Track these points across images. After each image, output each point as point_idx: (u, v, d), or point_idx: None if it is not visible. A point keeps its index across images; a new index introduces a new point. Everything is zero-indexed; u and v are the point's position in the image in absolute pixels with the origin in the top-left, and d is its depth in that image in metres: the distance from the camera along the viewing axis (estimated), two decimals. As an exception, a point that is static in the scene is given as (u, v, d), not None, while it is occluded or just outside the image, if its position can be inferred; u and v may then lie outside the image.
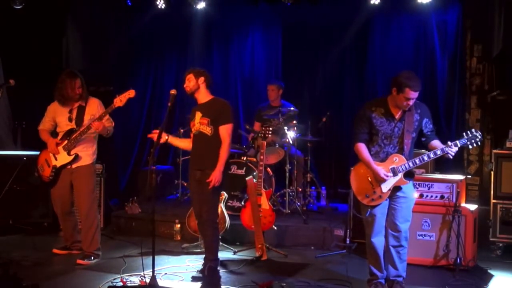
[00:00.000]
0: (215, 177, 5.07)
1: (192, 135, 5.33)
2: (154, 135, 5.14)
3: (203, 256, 5.41)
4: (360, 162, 4.80)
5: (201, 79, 5.24)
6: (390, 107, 4.72)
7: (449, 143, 4.58)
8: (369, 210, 4.74)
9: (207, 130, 5.18)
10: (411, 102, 4.62)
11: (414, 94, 4.57)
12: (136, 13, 8.97)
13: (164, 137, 5.24)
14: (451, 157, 4.60)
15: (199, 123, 5.22)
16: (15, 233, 6.79)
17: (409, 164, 4.66)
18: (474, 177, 7.75)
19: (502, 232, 6.09)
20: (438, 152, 4.61)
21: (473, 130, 4.67)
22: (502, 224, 6.09)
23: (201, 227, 5.37)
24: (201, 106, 5.30)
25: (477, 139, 4.62)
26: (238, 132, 7.77)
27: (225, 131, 5.17)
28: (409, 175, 4.74)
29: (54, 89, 5.78)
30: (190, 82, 5.26)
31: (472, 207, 5.74)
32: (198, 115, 5.25)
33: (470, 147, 4.68)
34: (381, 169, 4.64)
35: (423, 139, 4.80)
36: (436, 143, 4.74)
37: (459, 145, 4.61)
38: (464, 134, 4.66)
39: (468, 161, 7.85)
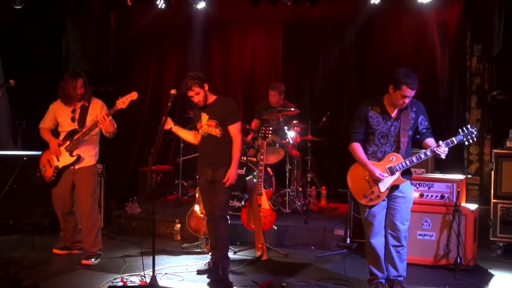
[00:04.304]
0: (231, 175, 5.10)
1: (200, 136, 5.26)
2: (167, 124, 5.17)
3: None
4: (357, 162, 4.79)
5: (205, 86, 5.15)
6: (386, 106, 4.71)
7: (440, 142, 4.55)
8: (368, 210, 4.74)
9: (216, 132, 5.16)
10: (407, 100, 4.60)
11: (410, 92, 4.55)
12: (136, 13, 8.98)
13: (170, 124, 5.22)
14: (443, 157, 4.58)
15: (207, 125, 5.18)
16: (15, 233, 6.78)
17: (406, 163, 4.65)
18: (475, 177, 7.76)
19: (502, 231, 6.10)
20: (435, 150, 4.57)
21: (468, 126, 4.64)
22: (502, 224, 6.09)
23: (213, 225, 5.24)
24: (206, 108, 5.22)
25: (473, 135, 4.60)
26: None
27: (235, 129, 5.18)
28: (407, 173, 4.74)
29: (58, 88, 5.78)
30: (199, 95, 5.13)
31: (473, 206, 5.73)
32: (205, 116, 5.20)
33: (466, 143, 4.65)
34: (376, 169, 4.64)
35: (418, 136, 4.78)
36: (430, 141, 4.71)
37: (455, 142, 4.59)
38: (460, 130, 4.64)
39: (469, 160, 7.86)
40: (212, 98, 5.25)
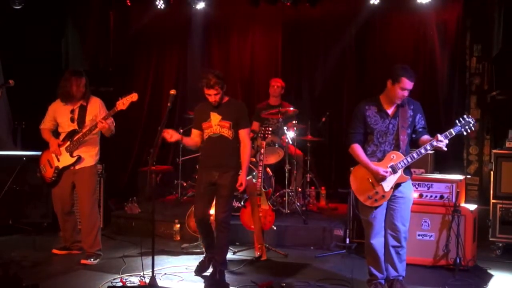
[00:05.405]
0: (244, 180, 5.11)
1: (206, 136, 5.21)
2: (167, 134, 5.09)
3: (203, 256, 5.41)
4: (359, 164, 4.79)
5: (225, 87, 5.11)
6: (383, 104, 4.73)
7: (438, 135, 4.53)
8: (374, 210, 4.71)
9: (229, 133, 5.13)
10: (406, 93, 4.61)
11: (409, 84, 4.57)
12: (135, 13, 8.99)
13: (177, 136, 5.17)
14: (444, 149, 4.57)
15: (219, 125, 5.13)
16: (15, 233, 6.79)
17: (407, 160, 4.65)
18: (474, 177, 7.75)
19: (501, 232, 6.10)
20: (434, 143, 4.56)
21: (465, 116, 4.63)
22: (501, 224, 6.09)
23: (208, 227, 5.26)
24: (218, 108, 5.16)
25: (471, 125, 4.59)
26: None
27: (246, 134, 5.19)
28: (406, 171, 4.74)
29: (58, 86, 5.76)
30: (218, 96, 5.08)
31: (472, 207, 5.74)
32: (216, 117, 5.14)
33: (465, 133, 4.62)
34: (380, 168, 4.64)
35: (413, 135, 4.79)
36: (426, 137, 4.71)
37: (453, 133, 4.58)
38: (457, 121, 4.62)
39: (468, 161, 7.86)
40: (225, 99, 5.22)
